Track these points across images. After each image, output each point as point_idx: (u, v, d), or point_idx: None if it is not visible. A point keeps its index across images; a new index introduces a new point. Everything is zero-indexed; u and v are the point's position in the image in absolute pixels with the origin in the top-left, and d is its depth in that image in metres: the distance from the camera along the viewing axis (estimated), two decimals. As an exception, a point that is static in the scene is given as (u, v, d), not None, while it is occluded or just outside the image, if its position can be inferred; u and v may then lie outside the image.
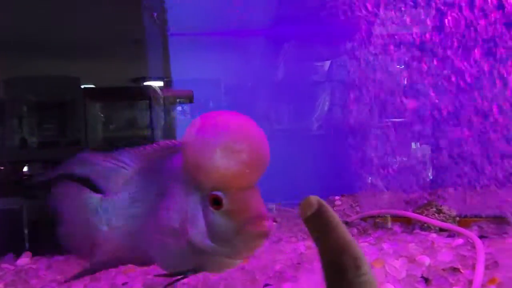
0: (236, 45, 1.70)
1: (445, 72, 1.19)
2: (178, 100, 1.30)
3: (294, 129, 1.64)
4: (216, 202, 0.49)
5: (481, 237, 0.85)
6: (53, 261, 0.93)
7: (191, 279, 0.73)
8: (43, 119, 1.20)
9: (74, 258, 0.95)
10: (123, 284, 0.75)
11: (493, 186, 1.08)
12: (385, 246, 0.81)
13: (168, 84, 1.41)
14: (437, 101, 1.17)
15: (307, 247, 0.93)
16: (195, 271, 0.57)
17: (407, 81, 1.25)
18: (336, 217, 0.35)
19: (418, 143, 1.26)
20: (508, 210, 0.96)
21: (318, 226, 0.35)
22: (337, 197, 1.46)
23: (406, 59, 1.24)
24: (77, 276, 0.63)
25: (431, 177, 1.21)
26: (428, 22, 1.18)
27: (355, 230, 1.06)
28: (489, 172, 1.08)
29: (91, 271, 0.62)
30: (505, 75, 1.08)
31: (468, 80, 1.11)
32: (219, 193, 0.49)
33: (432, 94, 1.18)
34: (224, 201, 0.49)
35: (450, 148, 1.20)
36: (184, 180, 0.53)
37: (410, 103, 1.22)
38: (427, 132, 1.21)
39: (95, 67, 1.23)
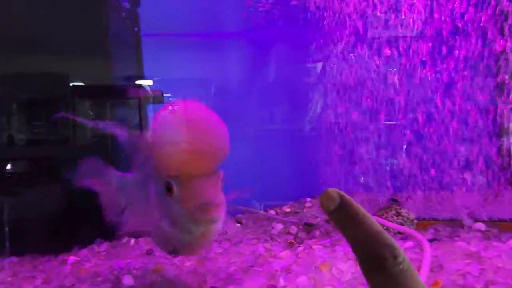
0: (217, 46, 1.71)
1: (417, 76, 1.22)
2: (148, 100, 1.29)
3: (263, 130, 1.65)
4: (168, 189, 0.51)
5: (433, 240, 0.86)
6: (6, 262, 0.92)
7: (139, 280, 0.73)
8: (31, 116, 1.19)
9: (29, 260, 0.95)
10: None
11: (453, 191, 1.11)
12: (337, 248, 0.81)
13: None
14: (401, 104, 1.19)
15: (267, 249, 0.93)
16: (174, 253, 0.62)
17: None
18: (361, 207, 0.34)
19: (386, 147, 1.27)
20: (464, 213, 0.98)
21: (345, 220, 0.34)
22: (308, 199, 1.47)
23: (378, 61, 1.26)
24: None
25: (396, 181, 1.22)
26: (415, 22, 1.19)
27: (317, 232, 1.06)
28: (450, 177, 1.10)
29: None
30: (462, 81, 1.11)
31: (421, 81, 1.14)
32: (171, 181, 0.51)
33: (400, 96, 1.20)
34: (175, 188, 0.51)
35: (414, 152, 1.22)
36: (155, 168, 0.56)
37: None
38: (395, 135, 1.22)
39: (84, 64, 1.22)
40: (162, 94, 1.32)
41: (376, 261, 0.32)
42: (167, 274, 0.75)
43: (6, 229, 1.06)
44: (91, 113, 1.29)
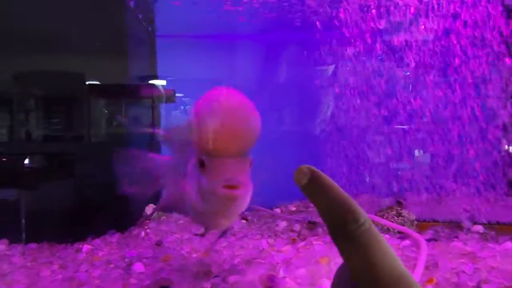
0: (231, 48, 1.76)
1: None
2: (159, 99, 1.34)
3: (273, 131, 1.68)
4: (201, 165, 0.57)
5: (431, 240, 0.89)
6: (27, 248, 0.98)
7: (149, 268, 0.78)
8: (48, 113, 1.24)
9: (47, 246, 1.01)
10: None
11: (455, 194, 1.13)
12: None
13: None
14: (405, 107, 1.21)
15: (270, 244, 0.97)
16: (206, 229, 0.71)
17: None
18: (329, 179, 0.36)
19: (389, 149, 1.30)
20: (464, 216, 1.00)
21: (315, 192, 0.36)
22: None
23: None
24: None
25: (399, 183, 1.24)
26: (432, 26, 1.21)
27: (320, 230, 1.10)
28: (452, 180, 1.12)
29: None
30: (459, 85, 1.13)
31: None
32: (204, 157, 0.56)
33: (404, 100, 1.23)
34: (206, 164, 0.56)
35: (419, 156, 1.24)
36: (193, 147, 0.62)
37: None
38: (398, 138, 1.25)
39: (100, 64, 1.27)
40: (174, 94, 1.38)
41: (340, 227, 0.33)
42: (175, 263, 0.80)
43: (26, 218, 1.13)
44: (106, 111, 1.35)
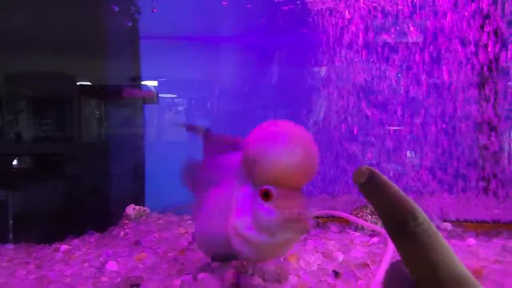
0: (219, 49, 1.78)
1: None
2: (141, 100, 1.35)
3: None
4: (266, 195, 0.56)
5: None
6: (4, 249, 0.98)
7: (122, 266, 0.79)
8: (38, 114, 1.25)
9: (24, 247, 1.02)
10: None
11: (430, 192, 1.16)
12: (308, 243, 0.87)
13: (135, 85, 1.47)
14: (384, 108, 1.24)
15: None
16: (235, 258, 0.64)
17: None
18: (387, 179, 0.37)
19: (366, 149, 1.33)
20: (435, 213, 1.03)
21: (373, 189, 0.37)
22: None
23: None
24: None
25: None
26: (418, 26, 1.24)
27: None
28: (425, 179, 1.16)
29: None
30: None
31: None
32: (271, 187, 0.55)
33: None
34: (274, 195, 0.55)
35: (397, 155, 1.27)
36: (240, 173, 0.60)
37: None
38: (369, 138, 1.28)
39: (91, 65, 1.27)
40: (157, 95, 1.39)
41: (399, 226, 0.35)
42: (148, 261, 0.81)
43: (8, 219, 1.13)
44: (97, 112, 1.35)
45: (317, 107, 1.50)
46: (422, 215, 0.35)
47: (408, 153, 1.25)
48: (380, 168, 1.27)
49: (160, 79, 1.73)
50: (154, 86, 1.57)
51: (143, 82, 1.58)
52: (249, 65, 1.74)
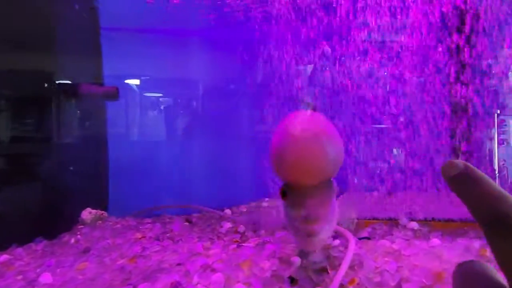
0: (177, 44, 1.71)
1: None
2: (101, 97, 1.28)
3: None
4: (284, 194, 0.57)
5: (364, 238, 0.88)
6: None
7: (58, 278, 0.72)
8: (16, 114, 1.17)
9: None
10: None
11: (399, 192, 1.13)
12: (267, 247, 0.82)
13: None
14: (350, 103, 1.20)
15: (205, 247, 0.93)
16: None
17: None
18: (483, 174, 0.32)
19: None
20: (402, 213, 0.99)
21: (466, 184, 0.32)
22: (266, 199, 1.48)
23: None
24: None
25: (343, 182, 1.23)
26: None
27: (263, 231, 1.07)
28: (393, 178, 1.12)
29: None
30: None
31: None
32: (284, 186, 0.56)
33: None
34: (288, 194, 0.56)
35: (366, 153, 1.24)
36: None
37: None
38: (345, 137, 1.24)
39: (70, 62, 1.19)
40: (117, 91, 1.31)
41: (502, 224, 0.30)
42: (90, 272, 0.74)
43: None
44: (78, 111, 1.28)
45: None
46: None
47: (377, 150, 1.21)
48: (347, 166, 1.23)
49: (123, 75, 1.66)
50: (115, 83, 1.50)
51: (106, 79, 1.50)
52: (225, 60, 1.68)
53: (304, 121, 0.55)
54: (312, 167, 0.53)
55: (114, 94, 1.31)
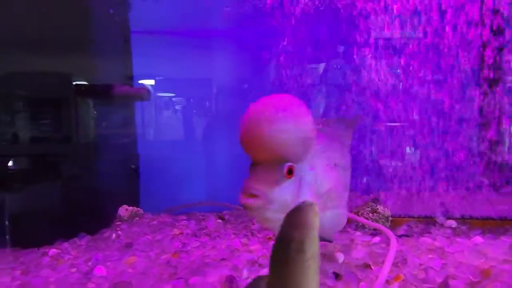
0: (208, 45, 1.73)
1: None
2: (133, 97, 1.31)
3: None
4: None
5: (403, 236, 0.88)
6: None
7: (111, 271, 0.75)
8: (35, 115, 1.22)
9: (10, 251, 0.98)
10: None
11: (432, 189, 1.12)
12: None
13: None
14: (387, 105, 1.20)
15: (243, 244, 0.95)
16: None
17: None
18: None
19: (367, 147, 1.29)
20: (439, 210, 0.99)
21: None
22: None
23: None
24: None
25: (376, 181, 1.23)
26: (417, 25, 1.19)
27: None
28: (428, 177, 1.12)
29: None
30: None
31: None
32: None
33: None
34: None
35: (398, 152, 1.23)
36: None
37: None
38: (373, 136, 1.24)
39: (86, 64, 1.23)
40: (149, 91, 1.34)
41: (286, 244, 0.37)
42: (139, 265, 0.77)
43: (5, 220, 1.09)
44: (95, 111, 1.32)
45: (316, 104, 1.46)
46: (313, 248, 0.37)
47: (408, 149, 1.21)
48: (379, 164, 1.23)
49: (155, 77, 1.69)
50: (148, 84, 1.53)
51: (136, 80, 1.54)
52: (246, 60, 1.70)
53: (265, 104, 0.56)
54: (259, 145, 0.55)
55: (146, 95, 1.34)
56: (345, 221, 0.72)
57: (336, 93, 1.40)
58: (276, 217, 0.56)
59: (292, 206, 0.52)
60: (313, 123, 0.58)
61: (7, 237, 1.09)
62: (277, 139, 0.54)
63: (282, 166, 0.56)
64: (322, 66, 1.50)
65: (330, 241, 0.71)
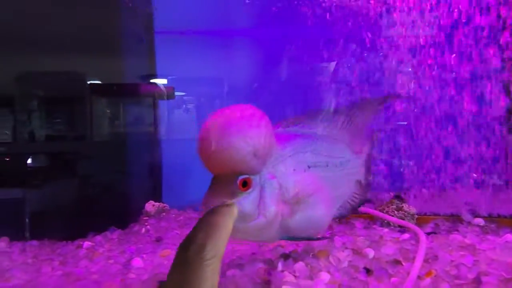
0: (232, 44, 1.75)
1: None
2: (158, 96, 1.34)
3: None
4: None
5: (430, 233, 0.88)
6: (28, 246, 0.98)
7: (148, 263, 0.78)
8: (50, 113, 1.26)
9: (48, 243, 1.02)
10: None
11: (456, 188, 1.12)
12: (336, 239, 0.85)
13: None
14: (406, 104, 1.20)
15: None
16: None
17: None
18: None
19: (390, 145, 1.29)
20: (465, 209, 0.99)
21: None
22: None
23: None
24: None
25: (400, 178, 1.24)
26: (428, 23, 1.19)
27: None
28: (452, 175, 1.11)
29: None
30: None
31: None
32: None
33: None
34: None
35: (417, 151, 1.23)
36: None
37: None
38: (395, 134, 1.24)
39: (101, 63, 1.26)
40: (174, 91, 1.37)
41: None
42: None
43: (29, 216, 1.14)
44: (108, 111, 1.35)
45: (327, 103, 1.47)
46: (216, 249, 0.39)
47: (433, 147, 1.21)
48: (401, 163, 1.23)
49: (176, 76, 1.72)
50: (170, 83, 1.55)
51: (158, 79, 1.57)
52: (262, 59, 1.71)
53: (216, 118, 0.55)
54: (211, 160, 0.55)
55: (170, 94, 1.37)
56: (327, 219, 0.71)
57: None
58: (241, 227, 0.57)
59: (255, 216, 0.56)
60: (269, 133, 0.57)
61: (41, 230, 1.13)
62: (226, 154, 0.54)
63: (237, 179, 0.56)
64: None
65: (312, 240, 0.71)
